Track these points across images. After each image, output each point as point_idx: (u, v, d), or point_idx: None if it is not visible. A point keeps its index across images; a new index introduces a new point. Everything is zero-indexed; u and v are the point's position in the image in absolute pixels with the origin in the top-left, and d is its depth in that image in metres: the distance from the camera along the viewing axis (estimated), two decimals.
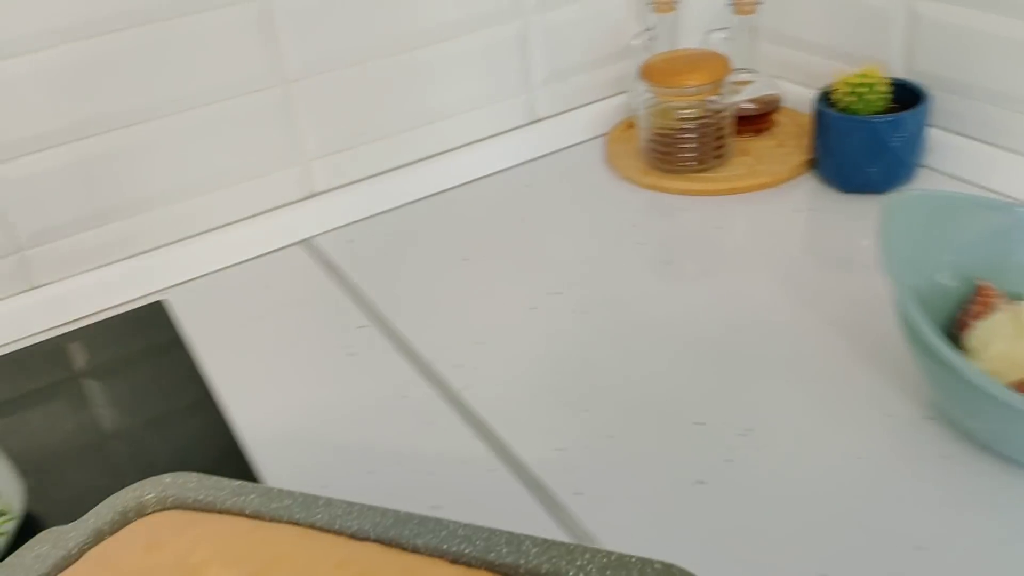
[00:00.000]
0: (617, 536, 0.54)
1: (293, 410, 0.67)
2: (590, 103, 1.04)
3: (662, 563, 0.39)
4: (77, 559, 0.47)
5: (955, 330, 0.60)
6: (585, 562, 0.40)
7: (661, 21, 0.96)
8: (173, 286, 0.84)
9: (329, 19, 0.85)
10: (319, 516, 0.46)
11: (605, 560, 0.40)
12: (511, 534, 0.42)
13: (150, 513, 0.49)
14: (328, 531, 0.45)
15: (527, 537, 0.42)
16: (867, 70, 0.82)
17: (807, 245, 0.80)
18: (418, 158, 0.96)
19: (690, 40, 1.02)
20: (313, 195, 0.91)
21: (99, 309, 0.82)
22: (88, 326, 0.80)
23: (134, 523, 0.49)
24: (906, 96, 0.82)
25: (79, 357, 0.76)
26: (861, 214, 0.82)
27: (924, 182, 0.85)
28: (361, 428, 0.64)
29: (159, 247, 0.84)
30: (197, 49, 0.79)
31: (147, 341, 0.77)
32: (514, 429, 0.63)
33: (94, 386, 0.73)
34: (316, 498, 0.47)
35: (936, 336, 0.52)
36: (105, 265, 0.82)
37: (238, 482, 0.49)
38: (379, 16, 0.87)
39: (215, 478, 0.50)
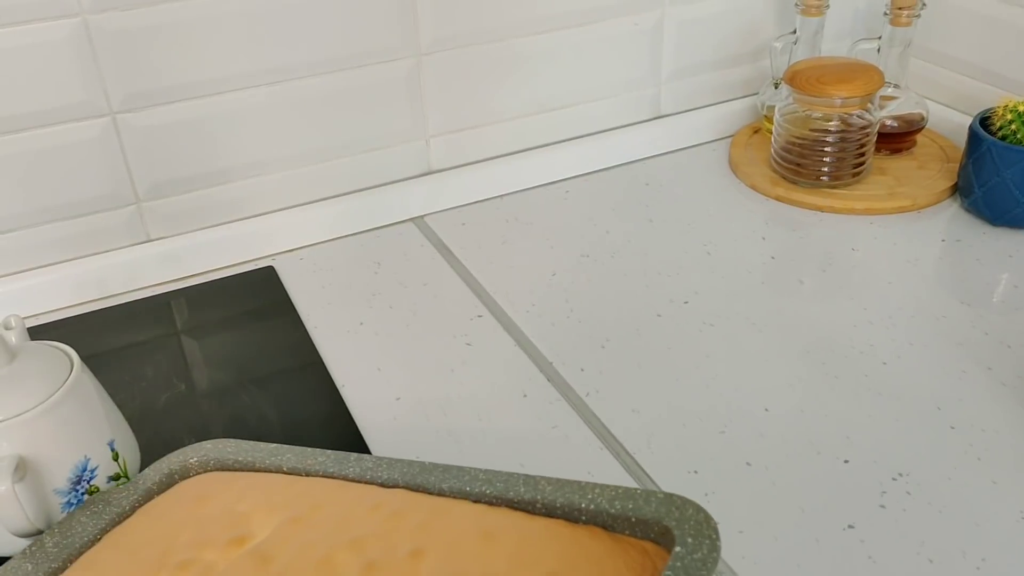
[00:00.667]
0: (759, 573, 0.50)
1: (409, 394, 0.65)
2: (716, 103, 0.99)
3: (665, 493, 0.42)
4: (130, 515, 0.50)
5: None
6: (596, 495, 0.43)
7: (805, 24, 0.92)
8: (285, 252, 0.82)
9: None
10: (351, 470, 0.49)
11: (613, 493, 0.43)
12: (528, 476, 0.46)
13: (194, 475, 0.52)
14: (360, 482, 0.48)
15: (543, 478, 0.45)
16: None
17: (954, 278, 0.75)
18: (537, 144, 0.92)
19: (831, 47, 0.98)
20: (430, 172, 0.88)
21: (210, 268, 0.80)
22: (199, 284, 0.79)
23: (181, 482, 0.52)
24: None
25: (189, 313, 0.75)
26: (1012, 249, 0.77)
27: None
28: (481, 424, 0.62)
29: (273, 211, 0.83)
30: (339, 13, 0.77)
31: (257, 304, 0.76)
32: (642, 442, 0.60)
33: (201, 343, 0.71)
34: (347, 455, 0.50)
35: None
36: (219, 225, 0.81)
37: (273, 445, 0.52)
38: None
39: (252, 442, 0.53)
